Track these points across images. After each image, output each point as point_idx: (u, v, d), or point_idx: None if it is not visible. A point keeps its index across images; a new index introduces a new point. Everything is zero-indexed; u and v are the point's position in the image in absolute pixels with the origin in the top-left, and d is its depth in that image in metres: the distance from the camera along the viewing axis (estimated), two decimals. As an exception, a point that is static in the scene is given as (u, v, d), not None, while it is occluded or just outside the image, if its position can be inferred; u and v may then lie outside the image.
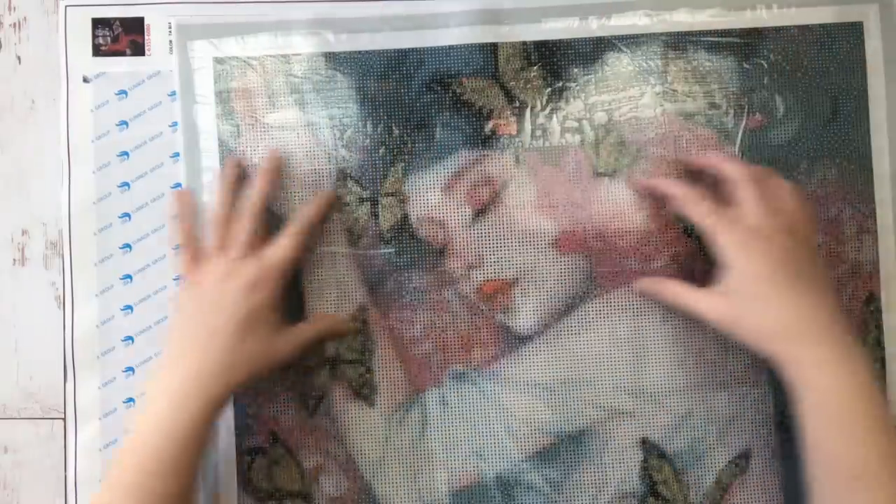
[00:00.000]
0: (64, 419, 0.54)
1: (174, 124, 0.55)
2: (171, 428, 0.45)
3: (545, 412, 0.53)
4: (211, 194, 0.53)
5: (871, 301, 0.54)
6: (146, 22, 0.55)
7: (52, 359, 0.54)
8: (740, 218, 0.47)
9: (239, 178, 0.53)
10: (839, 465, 0.43)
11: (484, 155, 0.54)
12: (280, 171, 0.53)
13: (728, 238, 0.47)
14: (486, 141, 0.54)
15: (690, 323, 0.53)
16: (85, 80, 0.55)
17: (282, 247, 0.49)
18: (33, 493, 0.55)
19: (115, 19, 0.55)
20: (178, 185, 0.54)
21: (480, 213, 0.54)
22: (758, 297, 0.46)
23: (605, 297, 0.53)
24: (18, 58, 0.56)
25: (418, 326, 0.54)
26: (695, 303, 0.48)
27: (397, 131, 0.54)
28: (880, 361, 0.54)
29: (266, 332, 0.48)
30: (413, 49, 0.54)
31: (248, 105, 0.54)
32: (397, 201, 0.54)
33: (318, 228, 0.52)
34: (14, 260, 0.55)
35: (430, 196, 0.54)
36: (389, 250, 0.54)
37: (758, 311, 0.46)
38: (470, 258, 0.54)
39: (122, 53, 0.55)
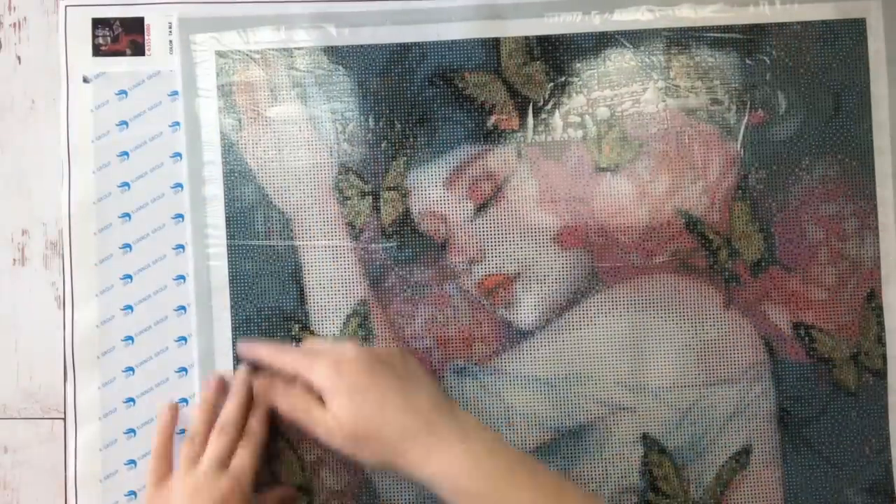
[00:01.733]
0: (64, 419, 0.54)
1: (174, 124, 0.55)
2: None
3: (546, 407, 0.53)
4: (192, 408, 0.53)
5: (873, 298, 0.54)
6: (146, 22, 0.55)
7: (52, 359, 0.54)
8: (325, 354, 0.48)
9: (222, 393, 0.52)
10: None
11: (486, 150, 0.54)
12: (249, 386, 0.51)
13: (318, 364, 0.47)
14: (488, 136, 0.54)
15: (692, 318, 0.53)
16: (85, 80, 0.55)
17: (244, 462, 0.49)
18: (33, 493, 0.54)
19: (115, 19, 0.55)
20: (179, 185, 0.54)
21: (482, 207, 0.54)
22: (360, 410, 0.46)
23: (606, 292, 0.53)
24: (18, 58, 0.56)
25: (419, 321, 0.54)
26: (317, 426, 0.47)
27: (399, 126, 0.54)
28: (881, 359, 0.54)
29: None
30: (415, 43, 0.54)
31: (251, 99, 0.54)
32: (399, 196, 0.54)
33: (267, 424, 0.51)
34: (14, 260, 0.55)
35: (432, 190, 0.54)
36: (391, 245, 0.54)
37: (368, 423, 0.46)
38: (471, 253, 0.54)
39: (122, 53, 0.55)
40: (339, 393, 0.46)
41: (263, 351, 0.52)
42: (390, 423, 0.46)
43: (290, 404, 0.49)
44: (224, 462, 0.48)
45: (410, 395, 0.47)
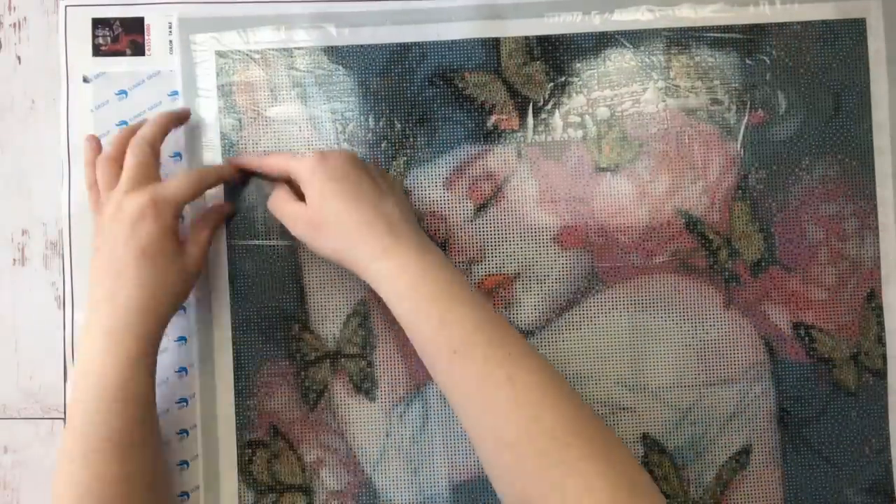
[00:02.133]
0: (64, 419, 0.54)
1: None
2: (104, 367, 0.46)
3: (546, 407, 0.53)
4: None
5: (873, 298, 0.54)
6: (146, 22, 0.55)
7: (52, 359, 0.54)
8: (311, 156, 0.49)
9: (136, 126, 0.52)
10: (437, 345, 0.43)
11: (486, 150, 0.54)
12: (176, 122, 0.52)
13: (302, 160, 0.49)
14: (488, 136, 0.54)
15: (692, 318, 0.53)
16: (85, 80, 0.55)
17: (171, 184, 0.48)
18: (33, 493, 0.54)
19: (115, 19, 0.55)
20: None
21: (482, 207, 0.54)
22: (329, 198, 0.47)
23: (606, 292, 0.53)
24: (18, 58, 0.56)
25: (419, 321, 0.54)
26: (287, 213, 0.49)
27: (399, 126, 0.54)
28: (881, 359, 0.54)
29: (168, 258, 0.48)
30: (415, 43, 0.54)
31: (251, 99, 0.54)
32: (399, 195, 0.54)
33: (219, 177, 0.52)
34: (14, 260, 0.55)
35: (432, 190, 0.54)
36: (391, 244, 0.54)
37: (332, 211, 0.47)
38: (471, 253, 0.54)
39: (122, 53, 0.55)
40: (317, 179, 0.47)
41: (249, 158, 0.53)
42: (354, 214, 0.46)
43: (273, 195, 0.51)
44: (140, 178, 0.48)
45: (383, 197, 0.48)
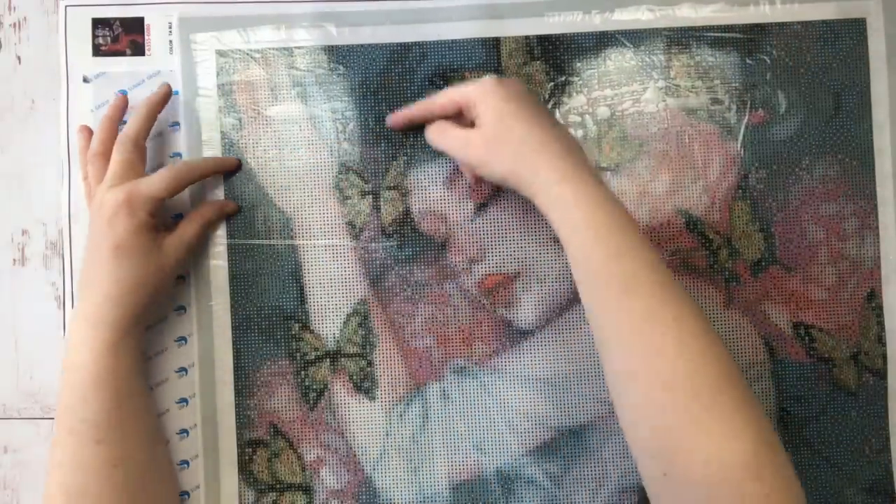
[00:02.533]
0: None
1: (174, 124, 0.55)
2: (81, 356, 0.47)
3: (546, 406, 0.53)
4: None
5: (873, 298, 0.54)
6: (146, 22, 0.55)
7: (52, 359, 0.54)
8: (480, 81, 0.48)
9: (122, 115, 0.53)
10: (608, 277, 0.42)
11: (486, 149, 0.54)
12: (160, 106, 0.53)
13: (474, 83, 0.48)
14: (488, 135, 0.54)
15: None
16: (85, 80, 0.55)
17: (149, 181, 0.49)
18: (33, 493, 0.54)
19: (115, 19, 0.55)
20: None
21: (482, 207, 0.54)
22: (504, 119, 0.46)
23: (606, 291, 0.53)
24: (18, 58, 0.56)
25: (419, 320, 0.54)
26: (453, 139, 0.48)
27: (399, 125, 0.54)
28: (882, 359, 0.54)
29: (142, 253, 0.49)
30: (416, 43, 0.54)
31: (251, 98, 0.54)
32: (399, 195, 0.54)
33: (202, 172, 0.52)
34: (14, 260, 0.55)
35: (432, 190, 0.54)
36: (391, 244, 0.54)
37: (507, 133, 0.46)
38: (472, 252, 0.54)
39: (122, 53, 0.55)
40: (493, 99, 0.46)
41: (413, 108, 0.52)
42: (536, 136, 0.45)
43: (433, 126, 0.50)
44: (122, 176, 0.49)
45: (556, 122, 0.47)
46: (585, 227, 0.43)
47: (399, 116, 0.53)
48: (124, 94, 0.54)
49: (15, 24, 0.56)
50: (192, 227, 0.52)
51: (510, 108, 0.46)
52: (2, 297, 0.55)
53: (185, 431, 0.53)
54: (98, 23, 0.55)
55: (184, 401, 0.54)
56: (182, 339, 0.54)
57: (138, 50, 0.55)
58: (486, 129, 0.46)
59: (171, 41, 0.55)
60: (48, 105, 0.55)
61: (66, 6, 0.55)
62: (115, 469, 0.46)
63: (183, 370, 0.54)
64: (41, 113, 0.55)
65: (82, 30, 0.55)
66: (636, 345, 0.41)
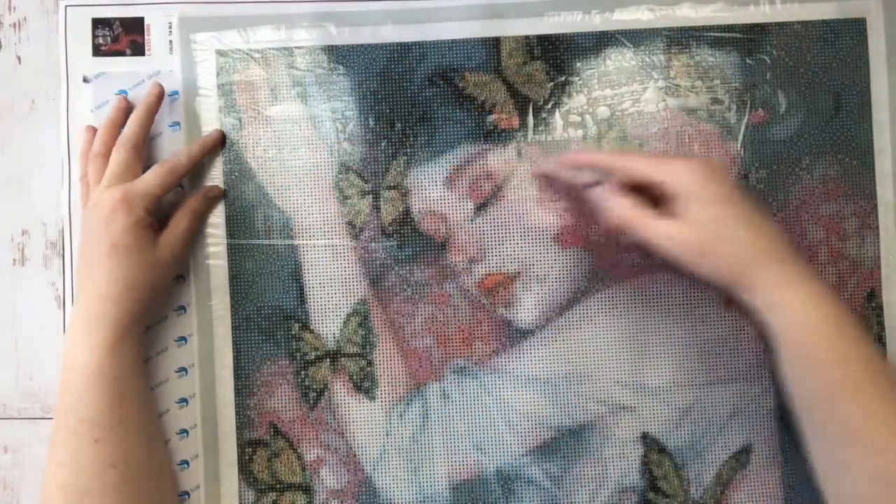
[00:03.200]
0: None
1: (174, 124, 0.54)
2: (80, 357, 0.47)
3: (546, 406, 0.53)
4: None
5: (873, 298, 0.54)
6: (146, 22, 0.55)
7: (52, 359, 0.54)
8: (683, 158, 0.47)
9: (126, 115, 0.53)
10: (838, 378, 0.42)
11: (486, 149, 0.54)
12: (156, 107, 0.53)
13: (678, 167, 0.45)
14: (488, 135, 0.54)
15: (692, 318, 0.53)
16: (85, 80, 0.55)
17: (144, 179, 0.50)
18: (33, 493, 0.54)
19: (115, 19, 0.55)
20: (180, 185, 0.54)
21: (482, 207, 0.54)
22: (721, 221, 0.44)
23: (606, 291, 0.53)
24: (18, 58, 0.56)
25: (419, 320, 0.54)
26: (656, 232, 0.45)
27: (399, 125, 0.54)
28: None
29: (138, 251, 0.49)
30: (416, 43, 0.54)
31: (251, 98, 0.54)
32: (399, 195, 0.54)
33: (193, 161, 0.52)
34: (14, 260, 0.55)
35: (432, 190, 0.54)
36: (391, 244, 0.54)
37: (725, 236, 0.44)
38: (471, 252, 0.54)
39: (122, 53, 0.55)
40: (701, 199, 0.44)
41: (599, 156, 0.50)
42: (755, 242, 0.44)
43: (621, 206, 0.46)
44: (122, 176, 0.50)
45: (765, 219, 0.45)
46: (811, 332, 0.43)
47: (579, 157, 0.50)
48: (124, 94, 0.54)
49: (15, 24, 0.56)
50: (184, 220, 0.52)
51: (725, 213, 0.44)
52: (2, 297, 0.55)
53: (185, 431, 0.53)
54: (98, 23, 0.55)
55: (184, 401, 0.54)
56: (182, 339, 0.54)
57: (138, 50, 0.55)
58: (696, 231, 0.44)
59: (171, 41, 0.55)
60: (48, 105, 0.55)
61: (66, 6, 0.55)
62: (112, 468, 0.47)
63: (183, 370, 0.54)
64: (41, 113, 0.55)
65: (82, 30, 0.55)
66: (856, 443, 0.42)
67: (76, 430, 0.46)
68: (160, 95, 0.53)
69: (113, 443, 0.47)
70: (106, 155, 0.51)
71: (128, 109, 0.53)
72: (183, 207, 0.53)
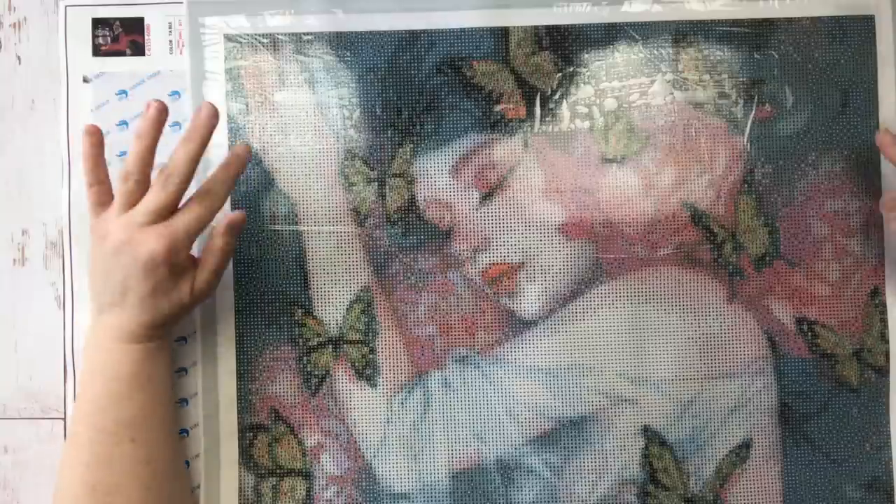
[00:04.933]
0: (64, 419, 0.54)
1: (174, 124, 0.54)
2: (117, 364, 0.47)
3: (547, 397, 0.53)
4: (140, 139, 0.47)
5: (876, 295, 0.54)
6: (146, 22, 0.55)
7: (52, 359, 0.54)
8: None
9: (162, 126, 0.47)
10: None
11: (492, 139, 0.54)
12: (210, 129, 0.47)
13: None
14: (494, 125, 0.54)
15: (695, 312, 0.53)
16: (85, 80, 0.55)
17: (186, 221, 0.46)
18: (33, 493, 0.54)
19: (115, 19, 0.55)
20: None
21: (487, 196, 0.54)
22: None
23: (610, 283, 0.53)
24: (18, 58, 0.56)
25: (422, 308, 0.54)
26: None
27: (406, 113, 0.54)
28: (884, 356, 0.54)
29: (176, 293, 0.47)
30: (424, 31, 0.54)
31: (258, 83, 0.54)
32: (405, 182, 0.54)
33: (229, 189, 0.48)
34: (14, 260, 0.55)
35: (438, 178, 0.54)
36: (395, 231, 0.54)
37: None
38: (476, 241, 0.54)
39: (122, 53, 0.55)
40: None
41: None
42: None
43: None
44: (161, 215, 0.45)
45: None
46: None
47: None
48: (183, 403, 0.54)
49: (15, 24, 0.56)
50: (213, 262, 0.49)
51: None
52: (2, 297, 0.55)
53: (184, 431, 0.54)
54: (98, 23, 0.55)
55: (184, 401, 0.54)
56: (182, 340, 0.54)
57: (138, 50, 0.55)
58: None
59: (171, 41, 0.55)
60: (48, 105, 0.55)
61: (66, 6, 0.55)
62: (146, 466, 0.47)
63: (183, 370, 0.54)
64: (41, 113, 0.55)
65: (82, 30, 0.55)
66: None
67: (111, 430, 0.46)
68: (212, 121, 0.47)
69: (147, 442, 0.47)
70: (143, 182, 0.46)
71: (164, 121, 0.47)
72: (210, 246, 0.49)
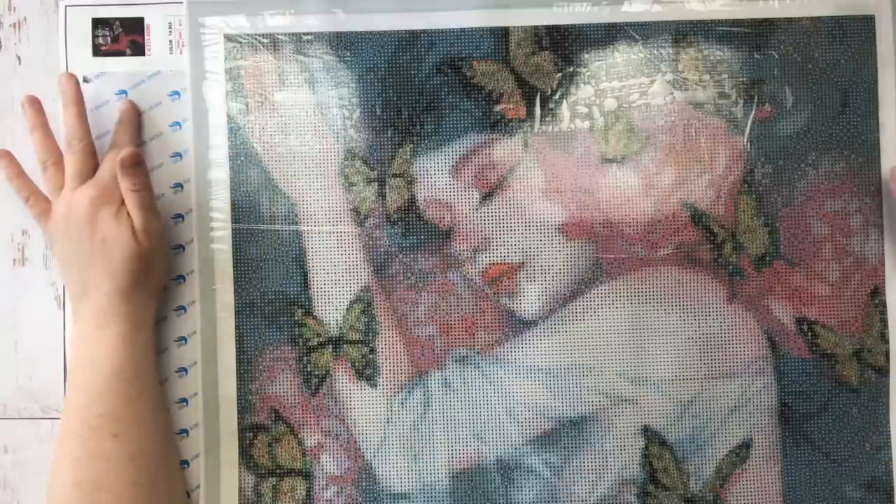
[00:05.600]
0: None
1: (174, 124, 0.54)
2: (98, 354, 0.47)
3: (547, 397, 0.53)
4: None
5: (876, 295, 0.54)
6: (146, 22, 0.55)
7: (52, 359, 0.54)
8: None
9: (42, 112, 0.53)
10: None
11: (492, 138, 0.54)
12: (74, 87, 0.52)
13: None
14: (494, 125, 0.54)
15: (695, 311, 0.53)
16: (85, 80, 0.54)
17: (108, 170, 0.50)
18: (33, 493, 0.54)
19: (115, 19, 0.55)
20: (179, 185, 0.54)
21: (487, 196, 0.54)
22: None
23: (610, 283, 0.53)
24: (18, 58, 0.56)
25: (422, 308, 0.54)
26: None
27: (406, 113, 0.54)
28: (884, 356, 0.54)
29: (126, 240, 0.49)
30: (424, 31, 0.54)
31: (258, 83, 0.54)
32: (405, 182, 0.54)
33: (132, 136, 0.53)
34: (14, 260, 0.55)
35: (438, 178, 0.54)
36: (395, 231, 0.54)
37: None
38: (476, 241, 0.54)
39: (122, 53, 0.55)
40: None
41: None
42: None
43: None
44: (83, 174, 0.50)
45: None
46: None
47: None
48: (183, 402, 0.54)
49: (15, 24, 0.56)
50: (131, 198, 0.50)
51: None
52: (2, 297, 0.55)
53: (184, 431, 0.54)
54: (98, 23, 0.55)
55: (184, 401, 0.54)
56: (182, 340, 0.54)
57: (138, 50, 0.55)
58: None
59: (171, 41, 0.55)
60: (48, 105, 0.54)
61: (66, 6, 0.55)
62: (130, 462, 0.47)
63: (183, 370, 0.54)
64: (41, 113, 0.55)
65: (82, 30, 0.55)
66: None
67: (94, 425, 0.46)
68: (75, 84, 0.52)
69: (131, 437, 0.47)
70: (58, 162, 0.52)
71: (41, 110, 0.53)
72: (122, 189, 0.50)
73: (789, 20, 0.54)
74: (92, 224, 0.49)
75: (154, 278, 0.51)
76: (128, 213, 0.50)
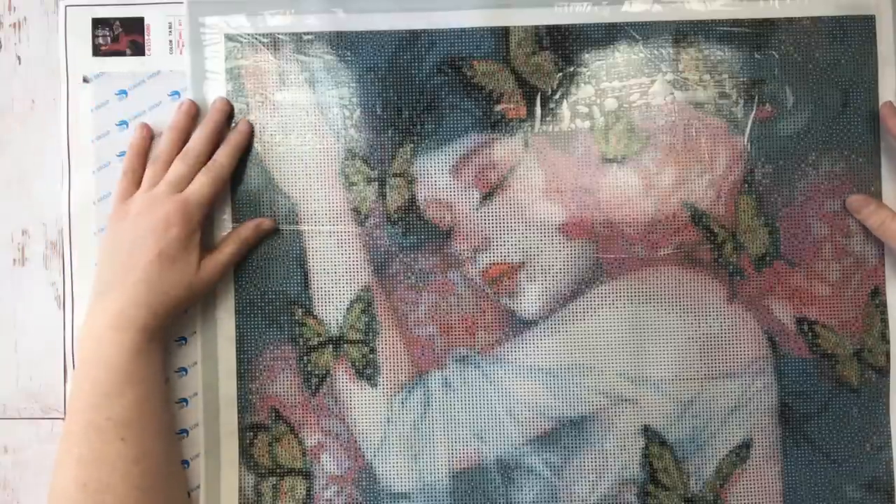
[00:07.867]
0: (64, 419, 0.54)
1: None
2: (109, 356, 0.47)
3: (547, 397, 0.53)
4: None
5: (877, 295, 0.54)
6: (146, 22, 0.55)
7: (52, 359, 0.54)
8: None
9: (193, 120, 0.53)
10: None
11: (493, 138, 0.54)
12: (223, 115, 0.53)
13: None
14: (495, 124, 0.54)
15: (695, 311, 0.53)
16: (85, 80, 0.55)
17: (198, 191, 0.50)
18: (33, 493, 0.54)
19: (115, 19, 0.55)
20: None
21: (488, 196, 0.54)
22: None
23: (610, 283, 0.53)
24: (18, 58, 0.56)
25: (423, 308, 0.54)
26: None
27: (407, 112, 0.54)
28: (885, 356, 0.54)
29: (184, 264, 0.49)
30: (424, 31, 0.54)
31: (259, 83, 0.54)
32: (405, 182, 0.54)
33: (233, 161, 0.53)
34: (14, 260, 0.55)
35: (438, 178, 0.54)
36: (396, 231, 0.54)
37: None
38: (476, 241, 0.54)
39: (122, 53, 0.55)
40: None
41: None
42: None
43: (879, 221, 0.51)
44: (179, 186, 0.50)
45: None
46: None
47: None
48: (183, 402, 0.54)
49: (15, 24, 0.56)
50: (232, 246, 0.52)
51: None
52: (2, 297, 0.55)
53: (184, 431, 0.54)
54: (98, 23, 0.55)
55: (184, 401, 0.54)
56: (182, 340, 0.54)
57: (138, 50, 0.55)
58: None
59: (170, 41, 0.55)
60: (48, 105, 0.55)
61: (66, 6, 0.55)
62: (136, 465, 0.47)
63: (183, 370, 0.54)
64: (41, 113, 0.55)
65: (82, 30, 0.55)
66: None
67: (102, 427, 0.46)
68: (226, 112, 0.53)
69: (137, 441, 0.47)
70: (168, 161, 0.52)
71: (195, 116, 0.53)
72: (234, 234, 0.53)
73: (790, 20, 0.54)
74: (157, 234, 0.48)
75: (178, 308, 0.50)
76: (199, 244, 0.50)
